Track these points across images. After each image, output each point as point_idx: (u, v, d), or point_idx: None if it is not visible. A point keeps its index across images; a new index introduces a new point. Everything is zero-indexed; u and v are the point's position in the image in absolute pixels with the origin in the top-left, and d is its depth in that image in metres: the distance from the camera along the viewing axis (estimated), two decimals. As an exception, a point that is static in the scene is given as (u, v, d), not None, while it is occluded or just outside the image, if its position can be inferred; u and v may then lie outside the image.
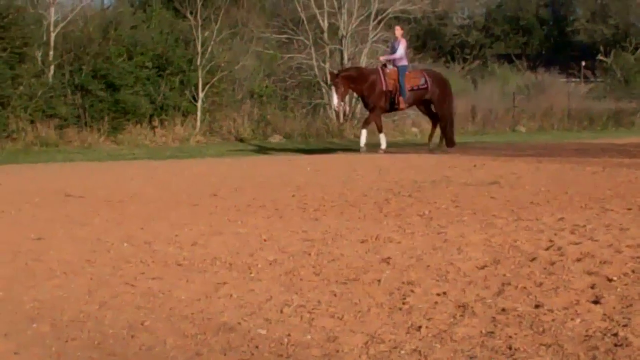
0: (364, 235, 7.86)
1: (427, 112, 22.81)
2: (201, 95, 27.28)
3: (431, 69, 25.74)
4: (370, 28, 33.13)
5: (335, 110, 23.79)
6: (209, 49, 27.86)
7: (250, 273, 6.50)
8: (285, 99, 32.27)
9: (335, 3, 33.09)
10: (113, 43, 26.37)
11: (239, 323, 5.20)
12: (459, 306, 5.40)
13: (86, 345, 4.93)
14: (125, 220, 9.37)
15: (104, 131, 24.81)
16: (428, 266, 6.50)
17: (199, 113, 27.07)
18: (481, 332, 4.92)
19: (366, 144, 21.19)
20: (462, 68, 42.79)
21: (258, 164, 18.35)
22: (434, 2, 38.81)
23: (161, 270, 6.71)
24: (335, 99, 21.26)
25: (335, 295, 5.76)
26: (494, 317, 5.15)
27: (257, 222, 8.98)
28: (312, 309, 5.45)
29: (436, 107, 22.18)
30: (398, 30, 22.27)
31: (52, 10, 26.26)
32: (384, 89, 21.26)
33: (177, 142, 25.27)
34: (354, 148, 21.83)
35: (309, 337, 4.93)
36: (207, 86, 27.39)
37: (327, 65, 32.42)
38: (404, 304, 5.50)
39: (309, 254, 7.08)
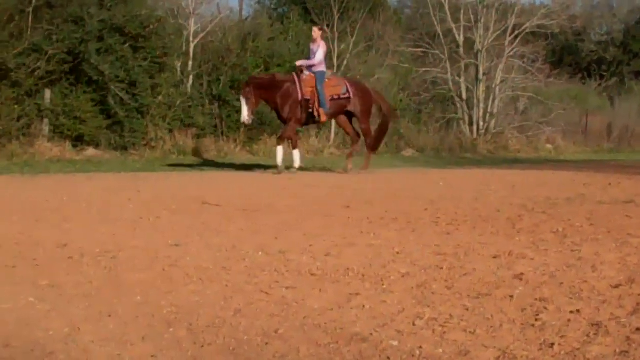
0: (496, 250, 7.82)
1: (346, 127, 20.28)
2: (336, 107, 27.45)
3: (353, 78, 23.31)
4: (507, 43, 32.92)
5: (244, 124, 20.18)
6: (345, 61, 28.03)
7: (383, 285, 6.53)
8: (419, 113, 32.27)
9: (472, 17, 32.98)
10: (251, 54, 26.75)
11: (371, 334, 5.24)
12: (593, 325, 5.34)
13: (221, 351, 5.03)
14: (260, 230, 9.50)
15: (240, 141, 25.17)
16: (561, 283, 6.44)
17: (333, 126, 27.23)
18: (615, 351, 4.86)
19: (286, 163, 18.92)
20: (599, 85, 42.09)
21: (391, 177, 18.37)
22: (572, 17, 38.29)
23: (295, 279, 6.79)
24: (245, 112, 18.51)
25: (467, 309, 5.76)
26: (628, 337, 5.08)
27: (390, 235, 9.00)
28: (444, 322, 5.45)
29: (359, 119, 19.77)
30: (316, 32, 19.53)
31: (192, 21, 26.79)
32: (300, 98, 18.84)
33: (311, 153, 25.46)
34: (487, 163, 21.54)
35: (440, 350, 4.94)
36: (343, 99, 27.55)
37: (462, 80, 32.34)
38: (536, 320, 5.46)
39: (441, 268, 7.09)
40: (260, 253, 7.87)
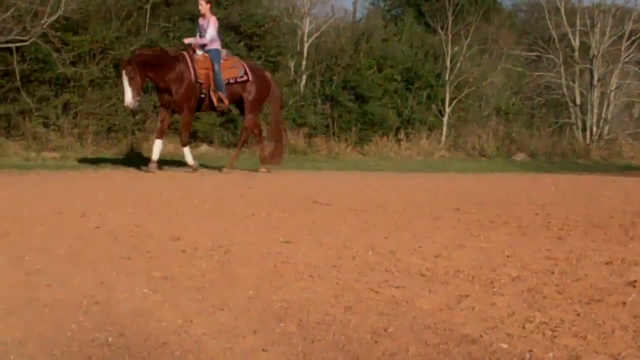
0: (608, 257, 7.72)
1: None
2: (448, 110, 27.38)
3: (250, 60, 20.79)
4: (623, 49, 32.41)
5: (130, 109, 17.81)
6: (458, 64, 27.91)
7: (493, 287, 6.51)
8: (532, 117, 31.98)
9: (588, 22, 32.53)
10: (364, 55, 26.82)
11: (481, 336, 5.23)
12: None
13: (331, 347, 5.07)
14: (369, 229, 9.53)
15: (351, 141, 25.25)
16: (676, 292, 6.35)
17: (444, 128, 27.18)
18: None
19: (161, 160, 17.29)
20: None
21: (502, 181, 18.25)
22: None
23: (405, 279, 6.80)
24: (129, 94, 16.01)
25: (578, 314, 5.70)
26: None
27: (500, 238, 8.95)
28: (555, 326, 5.41)
29: (248, 108, 17.80)
30: (203, 5, 17.41)
31: (307, 20, 26.97)
32: (193, 80, 16.75)
33: (421, 155, 25.43)
34: (599, 169, 21.20)
35: (551, 354, 4.91)
36: (454, 101, 27.46)
37: (576, 85, 31.92)
38: (649, 328, 5.40)
39: (552, 273, 7.03)
40: (370, 252, 7.90)
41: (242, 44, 23.77)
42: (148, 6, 23.18)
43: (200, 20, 17.34)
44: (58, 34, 20.56)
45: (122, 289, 6.17)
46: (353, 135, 25.22)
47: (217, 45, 17.15)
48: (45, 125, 20.45)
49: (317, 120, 25.23)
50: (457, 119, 28.02)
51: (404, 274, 7.01)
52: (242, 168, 18.82)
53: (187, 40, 17.35)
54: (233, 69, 17.30)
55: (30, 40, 19.71)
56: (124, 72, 15.93)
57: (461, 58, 28.25)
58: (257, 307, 5.85)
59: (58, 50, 20.45)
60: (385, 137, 25.87)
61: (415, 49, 28.37)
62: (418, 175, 19.11)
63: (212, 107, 17.43)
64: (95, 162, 17.76)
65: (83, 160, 18.32)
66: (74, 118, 20.92)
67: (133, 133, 21.82)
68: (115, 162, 17.64)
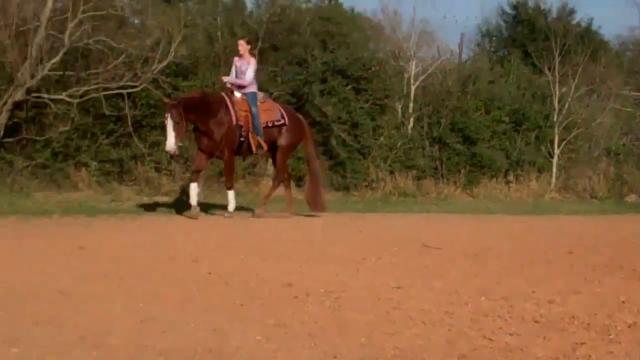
0: None
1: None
2: (557, 151, 27.04)
3: (284, 103, 19.59)
4: None
5: (171, 155, 17.12)
6: (566, 105, 27.60)
7: (609, 335, 6.41)
8: (643, 158, 31.39)
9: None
10: (471, 97, 26.71)
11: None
12: None
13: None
14: (481, 274, 9.47)
15: (460, 184, 25.11)
16: None
17: (554, 169, 26.84)
18: None
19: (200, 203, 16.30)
20: None
21: (614, 223, 17.94)
22: None
23: (519, 326, 6.74)
24: (171, 139, 15.26)
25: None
26: None
27: (615, 283, 8.82)
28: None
29: (281, 154, 17.01)
30: (243, 46, 16.54)
31: (413, 63, 26.97)
32: (235, 123, 16.00)
33: (531, 197, 25.14)
34: None
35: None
36: (563, 143, 27.13)
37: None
38: None
39: (671, 319, 6.90)
40: (483, 298, 7.85)
41: (349, 87, 23.89)
42: (256, 51, 23.44)
43: (238, 61, 16.51)
44: (168, 79, 20.92)
45: (235, 336, 6.24)
46: (462, 178, 25.06)
47: (254, 88, 16.44)
48: (157, 169, 20.79)
49: (425, 163, 25.15)
50: (566, 160, 27.64)
51: (518, 320, 6.95)
52: (351, 210, 18.86)
53: (225, 79, 16.78)
54: (270, 111, 16.61)
55: (142, 86, 20.10)
56: (168, 116, 15.27)
57: (569, 99, 27.91)
58: (369, 355, 5.85)
59: (169, 96, 20.80)
60: (494, 179, 25.63)
61: (522, 90, 28.12)
62: (528, 217, 18.89)
63: (250, 152, 16.70)
64: (207, 206, 17.96)
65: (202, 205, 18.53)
66: (185, 163, 21.21)
67: (243, 177, 22.04)
68: (225, 206, 17.81)
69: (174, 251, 10.80)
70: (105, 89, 19.84)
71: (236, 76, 16.42)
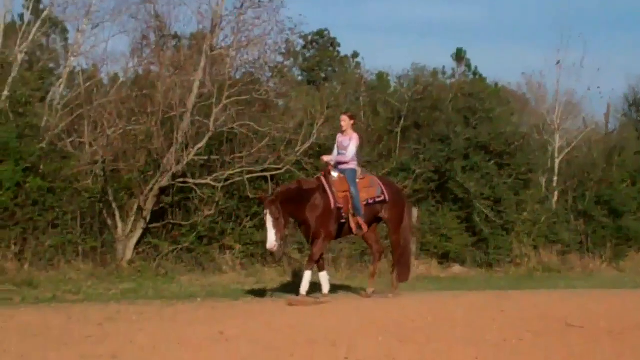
0: None
1: (370, 239, 16.08)
2: None
3: (381, 175, 18.56)
4: None
5: (271, 252, 15.42)
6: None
7: None
8: None
9: None
10: (617, 168, 26.29)
11: None
12: None
13: None
14: (627, 354, 9.24)
15: (606, 258, 24.64)
16: None
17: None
18: None
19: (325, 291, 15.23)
20: None
21: None
22: None
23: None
24: (272, 236, 14.16)
25: None
26: None
27: None
28: None
29: (391, 229, 15.96)
30: (346, 120, 15.54)
31: (557, 136, 26.75)
32: (333, 206, 14.93)
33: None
34: None
35: None
36: None
37: None
38: None
39: None
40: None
41: (491, 162, 23.78)
42: (398, 129, 23.66)
43: (340, 137, 15.55)
44: (311, 160, 21.14)
45: None
46: (608, 251, 24.61)
47: (354, 165, 15.34)
48: (300, 251, 20.95)
49: (570, 237, 24.78)
50: None
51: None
52: (495, 287, 18.64)
53: (325, 159, 15.68)
54: (370, 188, 15.46)
55: (285, 168, 20.38)
56: (267, 212, 14.30)
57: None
58: None
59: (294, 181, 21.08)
60: (643, 253, 25.14)
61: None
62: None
63: (351, 232, 15.54)
64: (349, 287, 17.99)
65: (335, 286, 18.56)
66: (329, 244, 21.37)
67: (386, 257, 22.03)
68: (366, 288, 17.80)
69: (315, 334, 10.85)
70: (249, 172, 20.15)
71: (338, 153, 15.47)
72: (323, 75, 36.10)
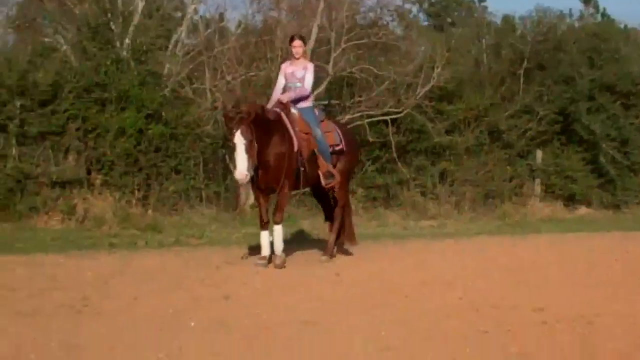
0: None
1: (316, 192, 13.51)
2: None
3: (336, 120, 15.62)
4: None
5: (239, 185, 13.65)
6: None
7: None
8: None
9: None
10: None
11: None
12: None
13: None
14: None
15: None
16: None
17: None
18: None
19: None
20: None
21: None
22: None
23: None
24: (244, 163, 11.18)
25: None
26: None
27: None
28: None
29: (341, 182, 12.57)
30: (299, 47, 12.33)
31: None
32: (296, 148, 11.95)
33: None
34: None
35: None
36: None
37: None
38: None
39: None
40: None
41: (617, 103, 23.15)
42: (521, 71, 23.20)
43: (288, 67, 12.46)
44: (432, 103, 20.94)
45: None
46: None
47: (310, 102, 12.53)
48: (423, 194, 20.83)
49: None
50: None
51: None
52: (621, 229, 18.18)
53: (284, 98, 12.10)
54: (329, 134, 12.56)
55: (405, 112, 20.26)
56: (238, 133, 11.24)
57: None
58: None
59: (432, 120, 20.86)
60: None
61: None
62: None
63: (307, 184, 12.89)
64: (471, 229, 17.85)
65: (459, 229, 18.45)
66: (451, 186, 21.18)
67: (510, 199, 21.77)
68: (490, 230, 17.59)
69: (430, 276, 10.78)
70: (370, 116, 20.08)
71: (288, 86, 12.36)
72: (449, 20, 35.63)
